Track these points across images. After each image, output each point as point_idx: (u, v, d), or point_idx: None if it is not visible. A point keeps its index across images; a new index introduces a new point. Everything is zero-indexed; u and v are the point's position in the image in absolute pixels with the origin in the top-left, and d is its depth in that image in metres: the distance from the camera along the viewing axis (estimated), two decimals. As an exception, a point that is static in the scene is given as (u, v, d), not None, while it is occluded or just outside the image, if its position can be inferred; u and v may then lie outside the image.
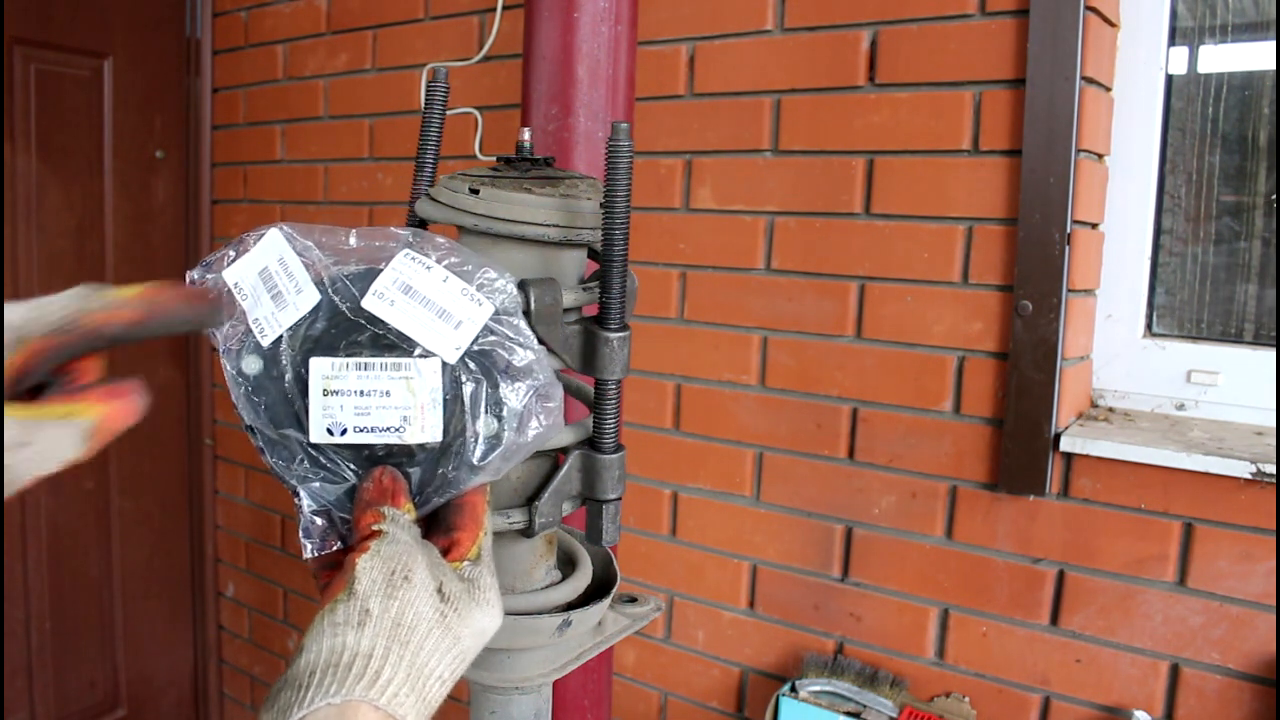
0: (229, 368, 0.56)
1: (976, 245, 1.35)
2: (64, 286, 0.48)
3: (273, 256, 0.56)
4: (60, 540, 2.25)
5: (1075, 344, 1.34)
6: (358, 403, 0.55)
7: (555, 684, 0.74)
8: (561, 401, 0.57)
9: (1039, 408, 1.30)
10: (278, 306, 0.55)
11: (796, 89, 1.48)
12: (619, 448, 0.66)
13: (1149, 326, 1.40)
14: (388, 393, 0.55)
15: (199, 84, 2.38)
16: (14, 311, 0.43)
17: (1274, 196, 1.33)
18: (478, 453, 0.55)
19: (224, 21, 2.34)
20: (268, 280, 0.56)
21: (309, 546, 0.57)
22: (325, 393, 0.55)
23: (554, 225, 0.63)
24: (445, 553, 0.55)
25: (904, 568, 1.44)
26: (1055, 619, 1.34)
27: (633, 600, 0.81)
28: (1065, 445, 1.28)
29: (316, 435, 0.55)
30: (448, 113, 0.74)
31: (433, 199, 0.66)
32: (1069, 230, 1.27)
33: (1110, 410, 1.40)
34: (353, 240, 0.57)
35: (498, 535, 0.67)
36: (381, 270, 0.55)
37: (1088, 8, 1.24)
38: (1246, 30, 1.35)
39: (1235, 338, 1.35)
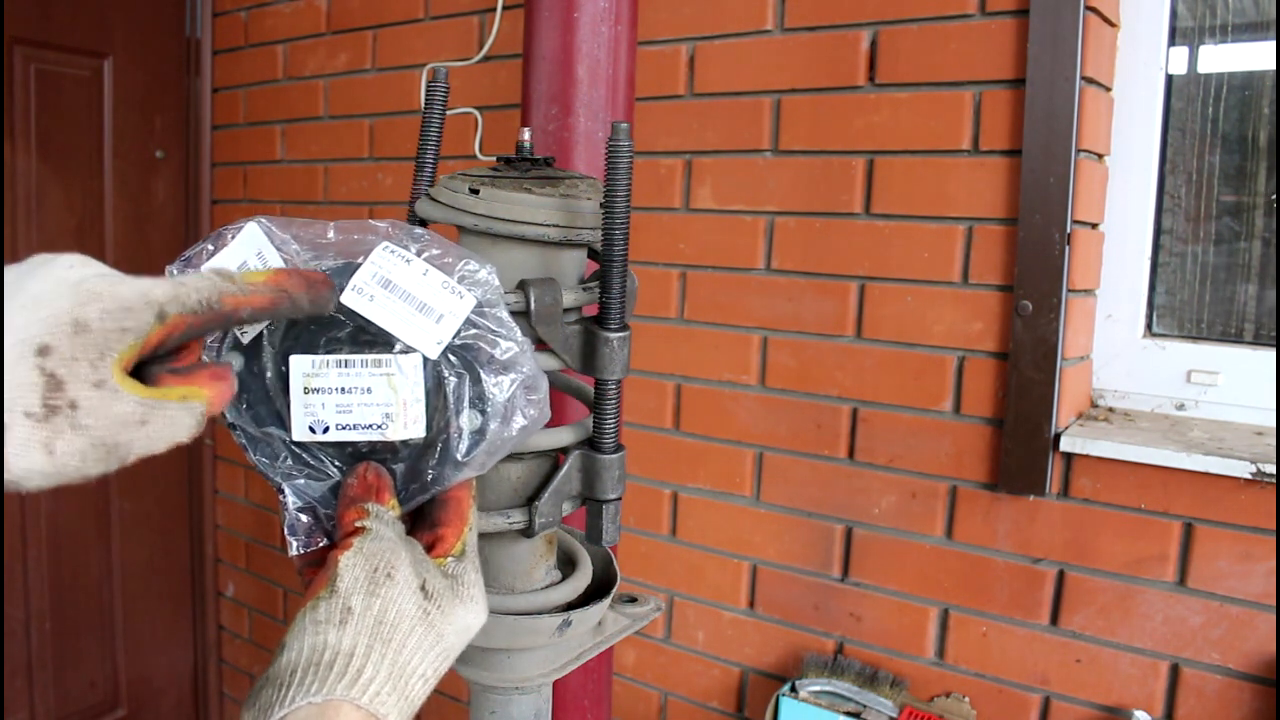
0: None
1: (976, 245, 1.35)
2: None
3: (251, 250, 0.55)
4: (60, 540, 2.25)
5: (1075, 344, 1.34)
6: (339, 400, 0.54)
7: (555, 684, 0.74)
8: (547, 393, 0.56)
9: (1039, 408, 1.30)
10: None
11: (796, 89, 1.48)
12: (619, 448, 0.66)
13: (1149, 326, 1.40)
14: (369, 390, 0.54)
15: (199, 84, 2.38)
16: (158, 288, 0.44)
17: (1274, 196, 1.33)
18: (462, 448, 0.55)
19: (224, 21, 2.34)
20: None
21: (294, 544, 0.56)
22: (306, 390, 0.54)
23: (554, 225, 0.63)
24: (430, 549, 0.55)
25: (904, 568, 1.44)
26: (1055, 619, 1.34)
27: (633, 600, 0.81)
28: (1065, 445, 1.28)
29: (299, 433, 0.55)
30: (448, 113, 0.74)
31: (433, 199, 0.66)
32: (1069, 230, 1.27)
33: (1110, 410, 1.40)
34: (331, 233, 0.56)
35: (498, 535, 0.67)
36: (360, 264, 0.54)
37: (1088, 8, 1.24)
38: (1246, 30, 1.35)
39: (1235, 338, 1.35)
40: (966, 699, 1.40)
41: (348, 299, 0.54)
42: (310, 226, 0.56)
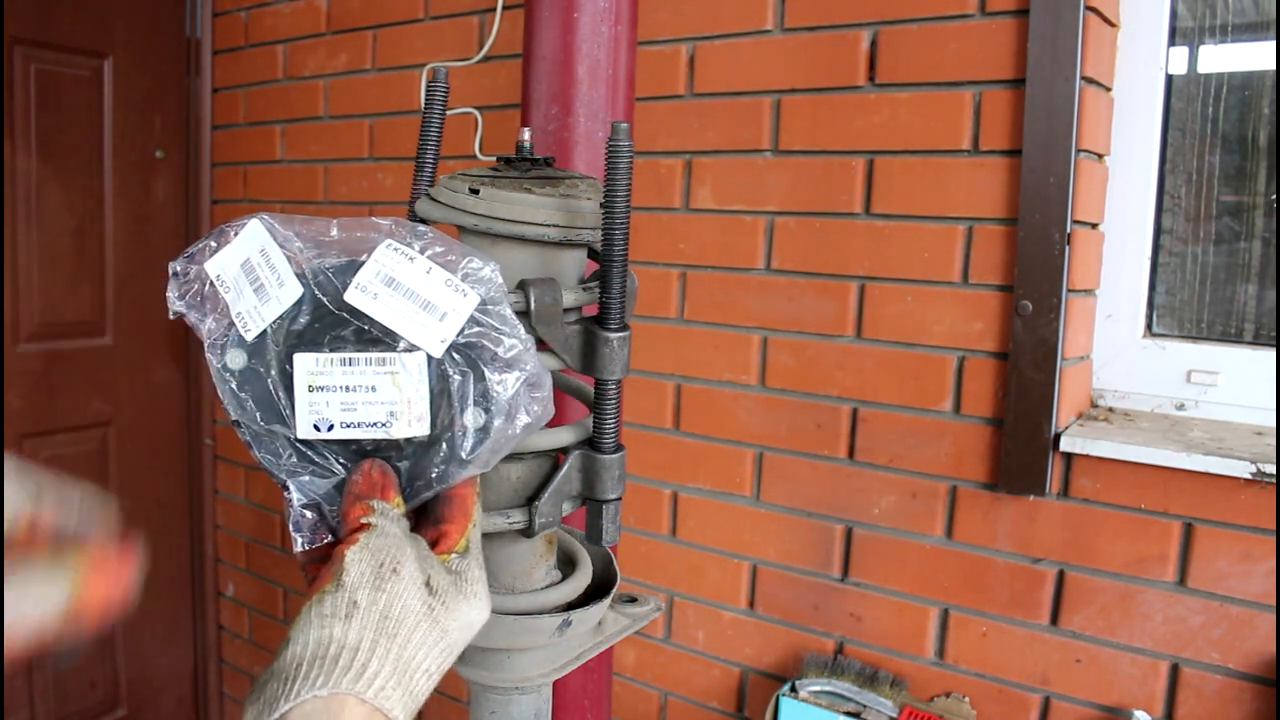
0: (214, 362, 0.55)
1: (976, 245, 1.35)
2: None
3: (254, 248, 0.55)
4: (60, 540, 2.24)
5: (1075, 344, 1.34)
6: (344, 398, 0.54)
7: (555, 684, 0.74)
8: (551, 390, 0.56)
9: (1039, 408, 1.30)
10: (260, 300, 0.54)
11: (796, 89, 1.48)
12: (619, 448, 0.66)
13: (1149, 326, 1.40)
14: (373, 388, 0.54)
15: (199, 84, 2.38)
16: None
17: (1274, 196, 1.33)
18: (466, 445, 0.55)
19: (224, 21, 2.34)
20: (250, 272, 0.55)
21: (299, 540, 0.56)
22: (310, 389, 0.54)
23: (554, 225, 0.63)
24: (433, 545, 0.55)
25: (904, 568, 1.44)
26: (1055, 619, 1.34)
27: (633, 600, 0.81)
28: (1065, 445, 1.28)
29: (303, 431, 0.55)
30: (448, 113, 0.74)
31: (433, 199, 0.66)
32: (1069, 230, 1.27)
33: (1110, 410, 1.40)
34: (334, 231, 0.56)
35: (498, 535, 0.67)
36: (363, 262, 0.54)
37: (1088, 8, 1.24)
38: (1246, 30, 1.35)
39: (1235, 338, 1.35)
40: (966, 699, 1.40)
41: (351, 297, 0.54)
42: (313, 224, 0.56)
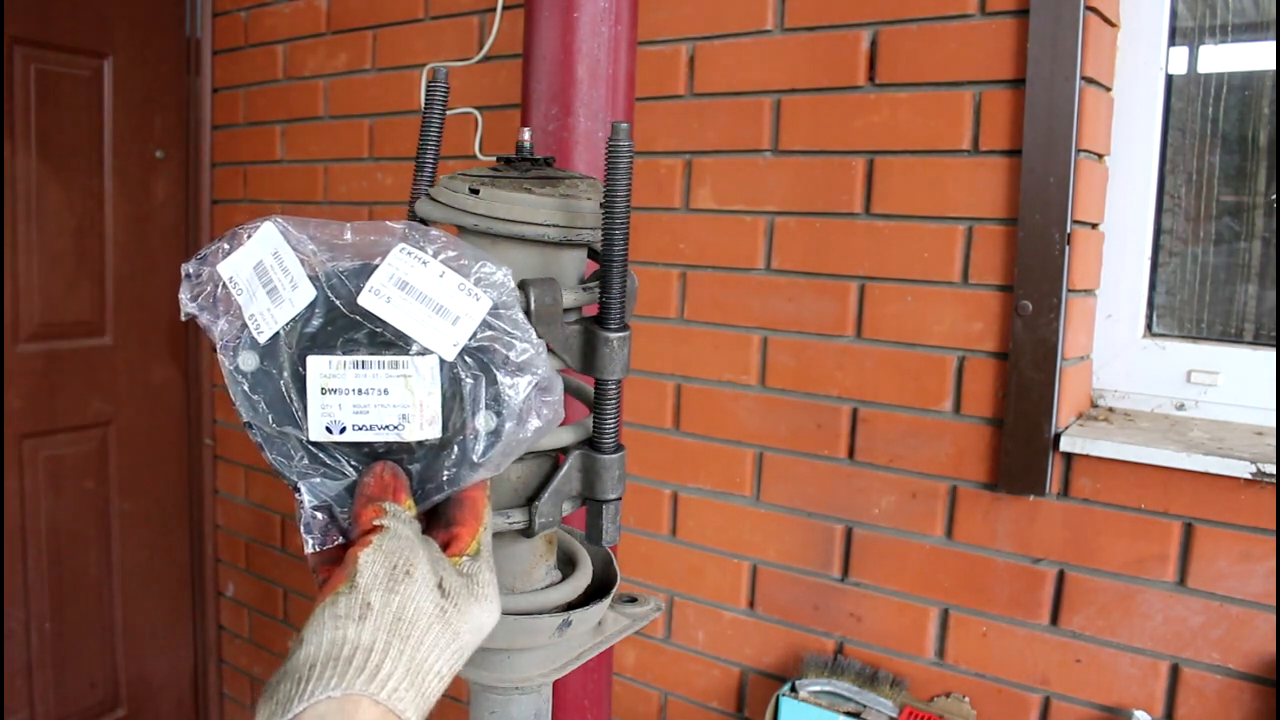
0: (226, 364, 0.55)
1: (976, 245, 1.35)
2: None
3: (267, 250, 0.55)
4: (60, 540, 2.25)
5: (1075, 344, 1.34)
6: (356, 401, 0.55)
7: (555, 684, 0.74)
8: (561, 394, 0.57)
9: (1039, 408, 1.30)
10: (273, 302, 0.55)
11: (796, 89, 1.48)
12: (619, 448, 0.66)
13: (1149, 326, 1.40)
14: (386, 391, 0.55)
15: (199, 84, 2.38)
16: None
17: (1274, 196, 1.33)
18: (478, 449, 0.55)
19: (224, 21, 2.34)
20: (263, 275, 0.55)
21: (310, 541, 0.57)
22: (323, 391, 0.55)
23: (554, 225, 0.63)
24: (444, 547, 0.55)
25: (904, 568, 1.44)
26: (1055, 619, 1.34)
27: (633, 600, 0.81)
28: (1065, 445, 1.28)
29: (315, 433, 0.55)
30: (448, 113, 0.74)
31: (433, 199, 0.66)
32: (1069, 230, 1.27)
33: (1110, 410, 1.40)
34: (349, 234, 0.56)
35: (498, 535, 0.67)
36: (377, 266, 0.55)
37: (1088, 8, 1.24)
38: (1246, 30, 1.35)
39: (1235, 338, 1.35)
40: (966, 699, 1.40)
41: (365, 300, 0.54)
42: (327, 227, 0.56)
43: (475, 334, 0.55)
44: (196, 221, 2.42)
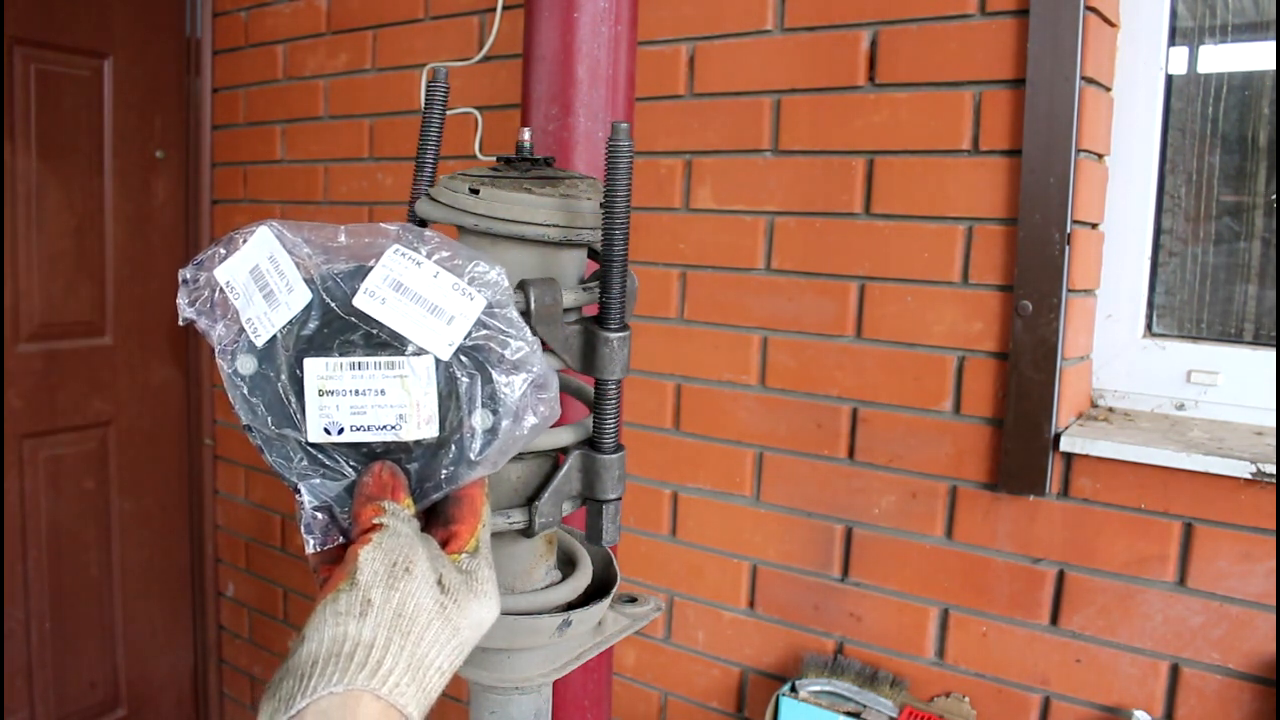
0: (225, 368, 0.56)
1: (976, 245, 1.35)
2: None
3: (263, 254, 0.56)
4: (60, 540, 2.25)
5: (1075, 344, 1.34)
6: (353, 402, 0.55)
7: (555, 684, 0.74)
8: (557, 391, 0.57)
9: (1039, 408, 1.30)
10: (270, 305, 0.55)
11: (796, 89, 1.48)
12: (619, 448, 0.66)
13: (1149, 326, 1.40)
14: (383, 391, 0.55)
15: (199, 84, 2.38)
16: None
17: (1274, 196, 1.33)
18: (475, 447, 0.55)
19: (224, 21, 2.34)
20: (259, 279, 0.55)
21: (311, 542, 0.57)
22: (321, 393, 0.55)
23: (554, 225, 0.63)
24: (443, 545, 0.56)
25: (904, 568, 1.44)
26: (1055, 619, 1.34)
27: (633, 600, 0.81)
28: (1065, 445, 1.28)
29: (314, 435, 0.55)
30: (448, 113, 0.74)
31: (433, 199, 0.66)
32: (1069, 230, 1.27)
33: (1110, 410, 1.40)
34: (342, 237, 0.56)
35: (498, 535, 0.67)
36: (371, 268, 0.55)
37: (1088, 8, 1.24)
38: (1246, 30, 1.35)
39: (1235, 338, 1.35)
40: (966, 699, 1.40)
41: (360, 302, 0.55)
42: (321, 230, 0.56)
43: (470, 333, 0.55)
44: (197, 222, 2.42)
